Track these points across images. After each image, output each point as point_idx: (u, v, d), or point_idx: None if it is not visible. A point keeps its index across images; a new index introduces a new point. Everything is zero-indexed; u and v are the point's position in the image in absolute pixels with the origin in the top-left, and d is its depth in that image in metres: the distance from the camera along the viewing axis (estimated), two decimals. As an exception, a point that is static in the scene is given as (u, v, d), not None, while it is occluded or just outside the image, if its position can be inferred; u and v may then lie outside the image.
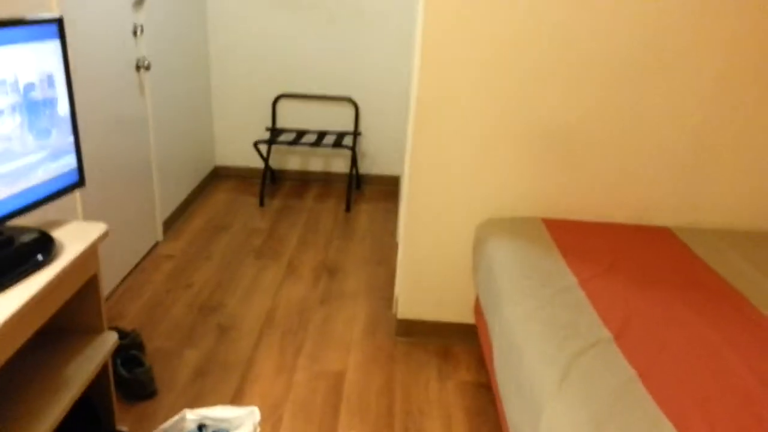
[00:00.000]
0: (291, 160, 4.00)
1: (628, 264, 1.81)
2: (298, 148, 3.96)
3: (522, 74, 1.97)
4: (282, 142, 3.57)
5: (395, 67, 3.74)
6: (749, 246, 1.96)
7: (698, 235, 2.02)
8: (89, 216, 2.29)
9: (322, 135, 3.73)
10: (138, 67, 2.74)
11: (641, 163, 2.08)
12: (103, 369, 1.67)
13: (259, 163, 3.93)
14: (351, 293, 2.64)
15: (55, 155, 1.53)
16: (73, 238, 1.50)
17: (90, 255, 1.54)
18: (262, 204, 3.58)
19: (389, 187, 3.95)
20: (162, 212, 3.04)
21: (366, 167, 3.99)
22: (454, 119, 2.04)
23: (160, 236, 3.02)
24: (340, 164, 3.99)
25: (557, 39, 1.93)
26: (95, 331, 1.66)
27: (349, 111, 3.85)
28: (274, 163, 3.98)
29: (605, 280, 1.71)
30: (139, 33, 2.72)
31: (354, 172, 3.84)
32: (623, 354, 1.37)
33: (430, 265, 2.25)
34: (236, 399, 1.94)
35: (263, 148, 3.90)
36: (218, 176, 3.99)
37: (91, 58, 2.29)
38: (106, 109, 2.43)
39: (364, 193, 3.87)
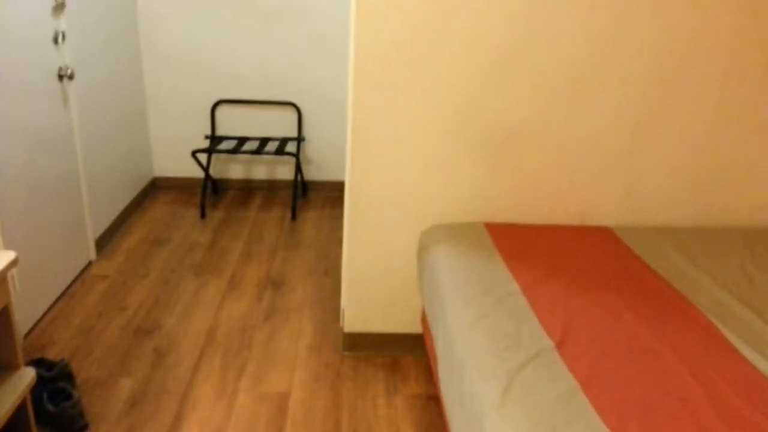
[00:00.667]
0: (233, 169, 3.88)
1: (570, 267, 1.79)
2: (240, 156, 3.84)
3: (461, 77, 1.94)
4: (222, 151, 3.45)
5: (338, 70, 3.67)
6: (690, 244, 1.97)
7: (639, 234, 2.03)
8: (10, 239, 2.14)
9: (264, 142, 3.63)
10: (60, 77, 2.58)
11: (580, 163, 2.08)
12: (21, 407, 1.54)
13: (200, 173, 3.79)
14: (296, 307, 2.55)
15: (-46, 180, 1.40)
16: (-22, 270, 1.38)
17: (-2, 287, 1.42)
18: (203, 216, 3.45)
19: (336, 193, 3.87)
20: (94, 230, 2.89)
21: (311, 173, 3.91)
22: (392, 124, 1.99)
23: (92, 255, 2.86)
24: (284, 171, 3.90)
25: (496, 43, 1.90)
26: (11, 367, 1.54)
27: (292, 116, 3.76)
28: (215, 172, 3.85)
29: (547, 285, 1.69)
30: (60, 40, 2.56)
31: (299, 178, 3.75)
32: (565, 363, 1.35)
33: (375, 275, 2.19)
34: (174, 429, 1.84)
35: (203, 157, 3.77)
36: (157, 188, 3.83)
37: (4, 69, 2.14)
38: (24, 122, 2.27)
39: (311, 200, 3.78)
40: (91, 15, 2.89)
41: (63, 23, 2.59)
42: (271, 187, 3.91)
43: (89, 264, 2.83)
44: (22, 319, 2.26)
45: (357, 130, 2.00)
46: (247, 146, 3.58)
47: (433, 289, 1.81)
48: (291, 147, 3.72)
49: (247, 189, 3.89)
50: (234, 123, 3.76)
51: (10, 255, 1.43)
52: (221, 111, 3.73)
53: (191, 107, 3.71)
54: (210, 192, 3.79)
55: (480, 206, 2.12)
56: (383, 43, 1.89)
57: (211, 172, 3.80)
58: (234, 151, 3.46)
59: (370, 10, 1.85)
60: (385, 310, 2.23)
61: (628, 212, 2.15)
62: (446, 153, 2.04)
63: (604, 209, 2.14)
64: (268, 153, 3.46)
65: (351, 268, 2.19)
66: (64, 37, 2.59)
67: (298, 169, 3.64)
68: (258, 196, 3.79)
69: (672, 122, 2.05)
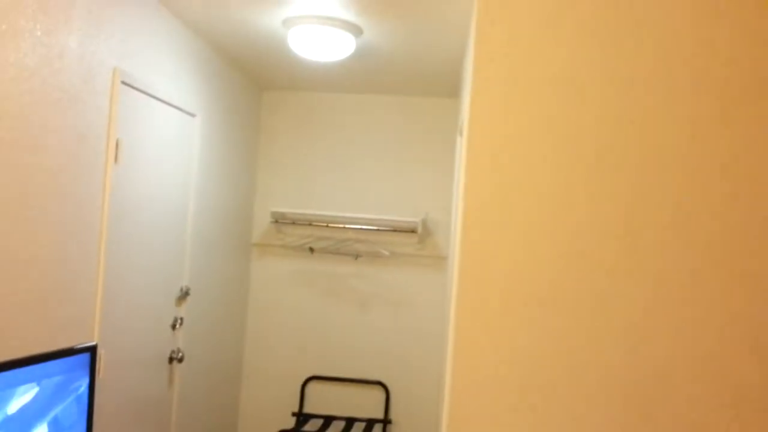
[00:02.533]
0: (316, 449, 3.77)
1: None
2: (324, 436, 3.77)
3: (562, 399, 1.88)
4: (307, 433, 3.41)
5: (428, 356, 3.71)
6: None
7: None
8: None
9: (350, 423, 3.56)
10: (171, 359, 2.78)
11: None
12: None
13: (283, 452, 3.71)
14: None
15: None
16: None
17: None
18: (280, 503, 3.27)
19: (421, 484, 3.60)
20: None
21: (396, 459, 3.71)
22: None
23: None
24: (368, 455, 3.73)
25: (598, 370, 1.88)
26: None
27: (380, 396, 3.73)
28: (298, 451, 3.76)
29: None
30: (177, 326, 2.82)
31: (382, 466, 3.56)
32: None
33: None
34: None
35: (288, 435, 3.72)
36: (238, 465, 3.76)
37: (125, 352, 2.33)
38: (128, 396, 2.38)
39: (393, 491, 3.53)
40: (209, 302, 3.20)
41: (183, 310, 2.87)
42: (352, 472, 3.71)
43: None
44: None
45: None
46: (333, 428, 3.53)
47: None
48: (377, 429, 3.62)
49: (328, 473, 3.71)
50: (323, 399, 3.77)
51: None
52: (311, 387, 3.78)
53: (283, 382, 3.80)
54: (290, 474, 3.65)
55: None
56: (481, 356, 1.91)
57: (294, 451, 3.71)
58: (319, 433, 3.40)
59: (467, 329, 1.92)
60: None
61: None
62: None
63: None
64: (353, 437, 3.37)
65: None
66: (181, 322, 2.85)
67: (383, 456, 3.49)
68: (338, 483, 3.58)
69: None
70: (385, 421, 3.63)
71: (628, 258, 1.86)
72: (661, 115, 1.85)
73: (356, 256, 3.75)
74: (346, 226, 3.70)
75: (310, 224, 3.74)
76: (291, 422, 3.75)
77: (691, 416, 1.86)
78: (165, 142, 2.58)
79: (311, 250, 3.77)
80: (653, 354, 1.86)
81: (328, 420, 3.61)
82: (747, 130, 1.83)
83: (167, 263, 2.68)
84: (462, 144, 2.29)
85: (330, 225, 3.72)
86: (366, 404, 3.74)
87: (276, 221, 3.72)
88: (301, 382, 3.78)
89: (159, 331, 2.64)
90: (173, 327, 2.79)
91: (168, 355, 2.75)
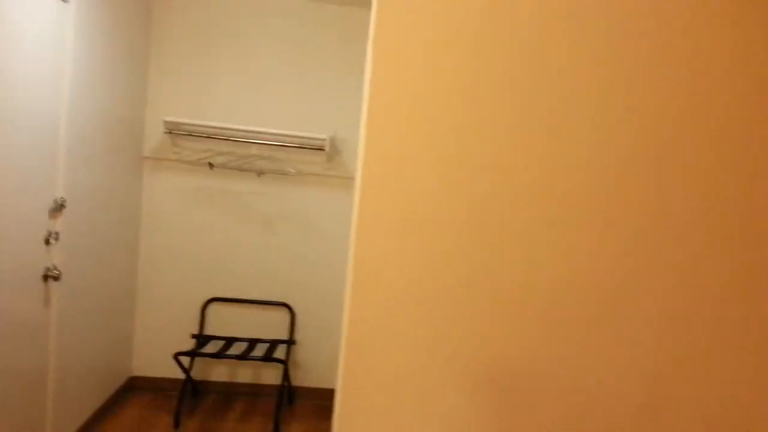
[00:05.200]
0: (217, 370, 3.66)
1: None
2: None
3: (461, 312, 1.83)
4: (205, 355, 3.27)
5: (333, 274, 3.63)
6: None
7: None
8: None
9: (252, 344, 3.46)
10: (46, 277, 2.53)
11: (587, 418, 1.87)
12: None
13: (182, 375, 3.57)
14: None
15: None
16: None
17: None
18: (177, 425, 3.16)
19: (325, 402, 3.60)
20: (50, 441, 2.61)
21: (300, 379, 3.67)
22: (387, 359, 1.84)
23: (40, 473, 2.55)
24: (270, 375, 3.67)
25: (498, 281, 1.83)
26: None
27: (285, 317, 3.64)
28: (198, 372, 3.63)
29: None
30: (52, 241, 2.55)
31: (286, 385, 3.51)
32: None
33: None
34: None
35: (186, 360, 3.58)
36: (134, 388, 3.59)
37: (-20, 274, 2.08)
38: (-10, 328, 2.16)
39: (296, 409, 3.50)
40: (91, 215, 2.92)
41: (58, 224, 2.60)
42: (255, 391, 3.65)
43: (33, 485, 2.51)
44: None
45: (348, 371, 1.85)
46: (234, 348, 3.42)
47: None
48: (281, 349, 3.54)
49: (230, 393, 3.63)
50: (225, 322, 3.63)
51: None
52: (212, 309, 3.63)
53: (182, 305, 3.62)
54: (189, 395, 3.54)
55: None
56: (382, 276, 1.82)
57: (194, 372, 3.59)
58: (218, 355, 3.28)
59: (368, 250, 1.81)
60: None
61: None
62: (443, 392, 1.85)
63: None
64: (254, 358, 3.27)
65: None
66: (57, 237, 2.58)
67: (286, 376, 3.43)
68: (240, 402, 3.51)
69: (696, 376, 1.88)
70: (290, 342, 3.55)
71: (537, 181, 1.79)
72: (586, 41, 1.75)
73: (260, 173, 3.55)
74: (249, 140, 3.47)
75: (208, 137, 3.47)
76: (191, 344, 3.61)
77: (589, 336, 1.86)
78: (26, 29, 2.22)
79: (210, 165, 3.52)
80: (553, 271, 1.83)
81: (230, 341, 3.49)
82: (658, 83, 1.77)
83: (33, 170, 2.38)
84: (369, 57, 2.11)
85: (231, 139, 3.47)
86: (270, 326, 3.64)
87: (170, 132, 3.42)
88: (201, 304, 3.61)
89: (28, 246, 2.37)
90: (47, 242, 2.52)
91: (42, 273, 2.50)
